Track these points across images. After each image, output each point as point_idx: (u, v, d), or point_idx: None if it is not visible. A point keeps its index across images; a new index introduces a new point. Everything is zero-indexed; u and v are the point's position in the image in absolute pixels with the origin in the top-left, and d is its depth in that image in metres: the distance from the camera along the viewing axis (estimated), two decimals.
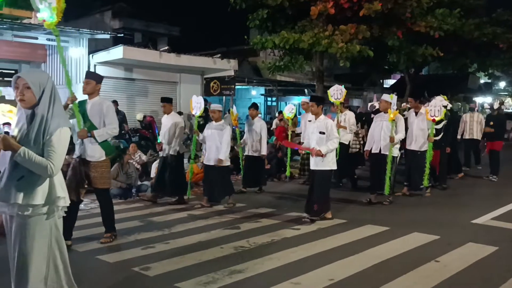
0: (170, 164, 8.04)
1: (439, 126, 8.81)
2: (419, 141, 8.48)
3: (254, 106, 9.59)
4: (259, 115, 10.04)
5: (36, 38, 13.53)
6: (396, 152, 7.93)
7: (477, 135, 12.05)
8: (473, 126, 12.12)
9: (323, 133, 6.58)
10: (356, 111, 14.40)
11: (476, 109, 13.10)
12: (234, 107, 10.24)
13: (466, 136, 12.22)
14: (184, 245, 5.55)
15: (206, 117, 16.14)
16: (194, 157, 8.56)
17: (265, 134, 9.32)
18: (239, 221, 6.73)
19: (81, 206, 7.83)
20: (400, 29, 13.67)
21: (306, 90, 21.73)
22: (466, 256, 5.17)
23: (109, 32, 14.94)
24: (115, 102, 13.47)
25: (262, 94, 24.31)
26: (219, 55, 16.71)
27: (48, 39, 13.81)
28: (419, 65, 19.11)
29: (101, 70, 14.13)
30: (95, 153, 5.45)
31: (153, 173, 9.80)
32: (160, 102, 8.49)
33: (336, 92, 9.26)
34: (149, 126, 14.14)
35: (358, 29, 12.86)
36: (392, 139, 7.68)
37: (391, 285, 4.30)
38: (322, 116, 6.72)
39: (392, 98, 7.91)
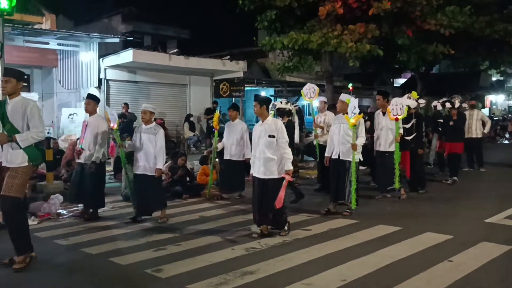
0: (90, 174, 7.03)
1: (408, 125, 8.59)
2: (387, 142, 8.14)
3: (234, 107, 9.04)
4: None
5: (47, 43, 13.69)
6: (357, 157, 7.10)
7: (477, 133, 11.78)
8: (472, 125, 11.74)
9: (273, 136, 5.91)
10: (366, 111, 14.32)
11: (487, 106, 12.89)
12: (219, 108, 9.73)
13: (466, 135, 11.62)
14: (196, 246, 5.57)
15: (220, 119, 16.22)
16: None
17: (247, 137, 8.55)
18: (250, 222, 6.69)
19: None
20: (410, 28, 13.57)
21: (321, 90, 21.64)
22: (480, 255, 5.11)
23: (119, 36, 15.06)
24: (126, 105, 13.57)
25: (271, 95, 24.27)
26: (228, 57, 16.75)
27: (59, 44, 13.97)
28: (430, 64, 18.95)
29: (111, 74, 14.28)
30: (17, 158, 4.79)
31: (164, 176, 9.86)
32: (85, 98, 7.50)
33: (309, 91, 9.05)
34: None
35: (367, 28, 12.79)
36: (355, 147, 6.95)
37: (403, 286, 4.27)
38: (270, 118, 6.11)
39: (350, 101, 7.10)
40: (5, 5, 9.21)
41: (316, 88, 9.09)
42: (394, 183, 8.10)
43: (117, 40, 14.55)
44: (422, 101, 10.61)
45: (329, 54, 14.21)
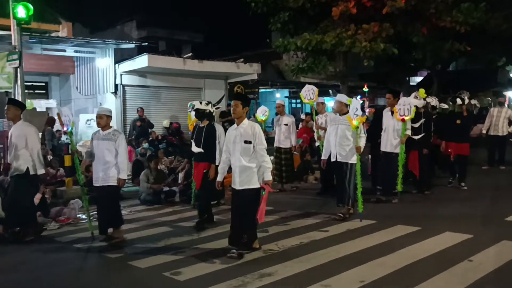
0: (16, 188, 6.26)
1: (417, 124, 8.36)
2: (394, 143, 7.79)
3: (225, 114, 8.74)
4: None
5: (64, 51, 13.91)
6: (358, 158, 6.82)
7: (503, 131, 11.49)
8: (499, 122, 11.52)
9: (249, 142, 5.21)
10: (382, 110, 14.20)
11: (506, 103, 12.56)
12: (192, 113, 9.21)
13: (491, 132, 11.58)
14: (214, 249, 5.59)
15: (232, 121, 16.27)
16: None
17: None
18: (267, 224, 6.70)
19: None
20: (424, 25, 13.43)
21: (330, 91, 21.60)
22: (500, 254, 5.03)
23: (133, 42, 15.24)
24: (141, 110, 13.72)
25: (286, 97, 24.30)
26: (242, 59, 16.80)
27: (76, 51, 14.19)
28: (446, 61, 18.73)
29: (127, 79, 14.43)
30: None
31: (180, 179, 9.95)
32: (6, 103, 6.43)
33: (308, 93, 8.78)
34: (176, 132, 14.30)
35: (382, 27, 12.72)
36: (359, 149, 6.66)
37: (423, 286, 4.22)
38: (246, 121, 5.35)
39: (352, 102, 6.82)
40: (22, 14, 9.44)
41: (315, 89, 8.82)
42: (397, 185, 7.81)
43: (132, 46, 14.71)
44: (431, 99, 10.15)
45: (343, 54, 14.15)
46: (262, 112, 9.72)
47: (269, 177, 5.23)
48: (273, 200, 8.56)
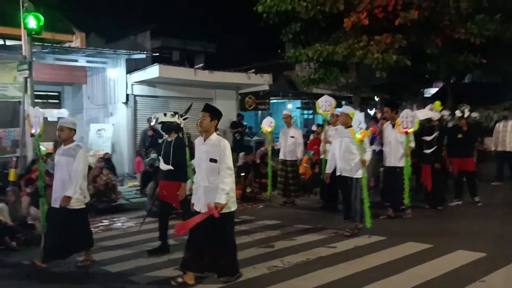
0: None
1: (429, 138, 8.14)
2: (397, 156, 7.55)
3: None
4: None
5: (76, 61, 14.00)
6: (362, 172, 6.61)
7: (511, 146, 10.93)
8: (505, 137, 11.02)
9: (215, 160, 4.67)
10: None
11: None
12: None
13: (499, 148, 11.10)
14: None
15: (242, 132, 16.20)
16: None
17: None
18: (273, 239, 6.57)
19: (118, 224, 8.00)
20: (438, 37, 13.23)
21: (343, 102, 21.41)
22: None
23: (145, 52, 15.28)
24: (150, 120, 13.70)
25: (298, 108, 24.17)
26: (253, 70, 16.76)
27: (88, 61, 14.28)
28: (461, 73, 18.44)
29: (138, 89, 14.47)
30: None
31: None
32: None
33: (325, 104, 8.52)
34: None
35: (394, 39, 12.54)
36: (364, 163, 6.48)
37: None
38: (214, 136, 4.80)
39: (354, 115, 6.64)
40: (33, 25, 9.50)
41: (333, 102, 8.60)
42: (404, 199, 7.55)
43: (143, 56, 14.76)
44: (445, 112, 9.85)
45: (355, 65, 14.01)
46: (267, 123, 9.47)
47: (221, 199, 4.53)
48: (279, 214, 8.45)
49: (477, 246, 5.86)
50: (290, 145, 9.19)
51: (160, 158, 6.25)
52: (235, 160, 14.06)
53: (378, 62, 12.37)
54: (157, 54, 16.26)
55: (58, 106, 15.91)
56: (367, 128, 6.67)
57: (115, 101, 14.40)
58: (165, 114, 6.27)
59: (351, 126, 6.64)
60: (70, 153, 5.43)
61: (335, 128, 8.79)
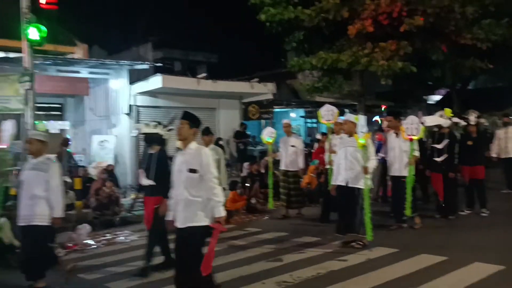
0: None
1: (441, 146, 7.93)
2: (401, 165, 7.34)
3: (206, 131, 7.59)
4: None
5: (79, 72, 13.90)
6: (369, 183, 6.46)
7: None
8: (508, 144, 10.68)
9: (195, 171, 4.28)
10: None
11: None
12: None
13: (502, 155, 10.72)
14: (225, 280, 5.19)
15: (246, 143, 16.03)
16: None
17: (224, 166, 7.76)
18: (281, 252, 6.36)
19: (121, 238, 7.80)
20: (444, 43, 13.09)
21: (346, 110, 21.25)
22: None
23: (147, 62, 15.17)
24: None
25: (301, 116, 24.02)
26: (256, 79, 16.65)
27: (90, 73, 14.18)
28: (467, 79, 18.27)
29: (141, 100, 14.34)
30: None
31: None
32: None
33: (327, 113, 8.19)
34: None
35: (399, 45, 12.40)
36: (366, 170, 6.24)
37: None
38: (193, 145, 4.42)
39: (358, 120, 6.48)
40: (35, 36, 9.36)
41: (336, 111, 8.27)
42: (405, 209, 7.28)
43: (146, 66, 14.65)
44: (456, 119, 9.60)
45: (360, 73, 13.86)
46: (268, 134, 9.15)
47: (220, 212, 4.23)
48: (286, 226, 8.24)
49: (494, 258, 5.63)
50: (291, 154, 8.95)
51: (141, 172, 5.87)
52: (239, 170, 13.91)
53: (384, 69, 12.22)
54: (160, 64, 16.13)
55: (61, 118, 15.80)
56: (373, 135, 6.43)
57: (117, 112, 14.26)
58: (147, 125, 5.94)
59: (355, 133, 6.44)
60: (41, 168, 5.11)
61: (340, 137, 8.54)
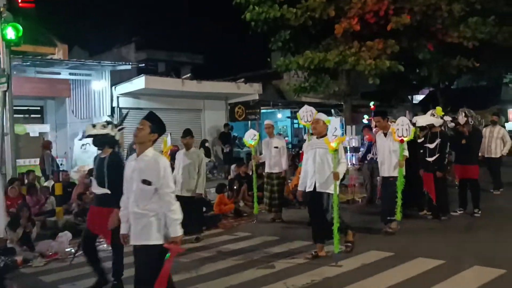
0: None
1: (432, 145, 7.81)
2: (391, 166, 7.11)
3: (187, 132, 7.28)
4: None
5: (59, 73, 13.49)
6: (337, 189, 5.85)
7: (496, 152, 10.47)
8: (491, 143, 10.52)
9: (149, 182, 3.78)
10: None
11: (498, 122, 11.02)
12: (168, 136, 7.75)
13: (486, 154, 10.52)
14: None
15: (233, 144, 15.78)
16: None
17: (204, 169, 7.43)
18: (272, 258, 6.10)
19: (105, 246, 7.44)
20: (430, 41, 13.03)
21: (332, 111, 21.16)
22: None
23: (130, 63, 14.83)
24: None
25: (288, 117, 23.87)
26: (242, 79, 16.42)
27: (71, 74, 13.78)
28: (452, 78, 18.31)
29: (124, 102, 13.99)
30: None
31: None
32: None
33: (306, 114, 7.89)
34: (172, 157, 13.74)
35: (386, 44, 12.32)
36: (336, 176, 5.69)
37: None
38: (150, 151, 3.89)
39: (329, 122, 6.08)
40: (12, 36, 9.01)
41: (314, 111, 7.85)
42: (395, 213, 7.08)
43: (128, 67, 14.31)
44: (448, 118, 9.47)
45: (346, 73, 13.73)
46: (250, 136, 8.76)
47: (176, 232, 3.74)
48: (276, 229, 7.99)
49: (492, 261, 5.46)
50: (274, 156, 8.64)
51: (93, 179, 5.22)
52: (226, 173, 13.63)
53: (371, 68, 12.10)
54: (143, 65, 15.80)
55: (41, 121, 15.35)
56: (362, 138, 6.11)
57: (100, 114, 13.87)
58: (93, 126, 5.22)
59: (325, 136, 5.99)
60: None
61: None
